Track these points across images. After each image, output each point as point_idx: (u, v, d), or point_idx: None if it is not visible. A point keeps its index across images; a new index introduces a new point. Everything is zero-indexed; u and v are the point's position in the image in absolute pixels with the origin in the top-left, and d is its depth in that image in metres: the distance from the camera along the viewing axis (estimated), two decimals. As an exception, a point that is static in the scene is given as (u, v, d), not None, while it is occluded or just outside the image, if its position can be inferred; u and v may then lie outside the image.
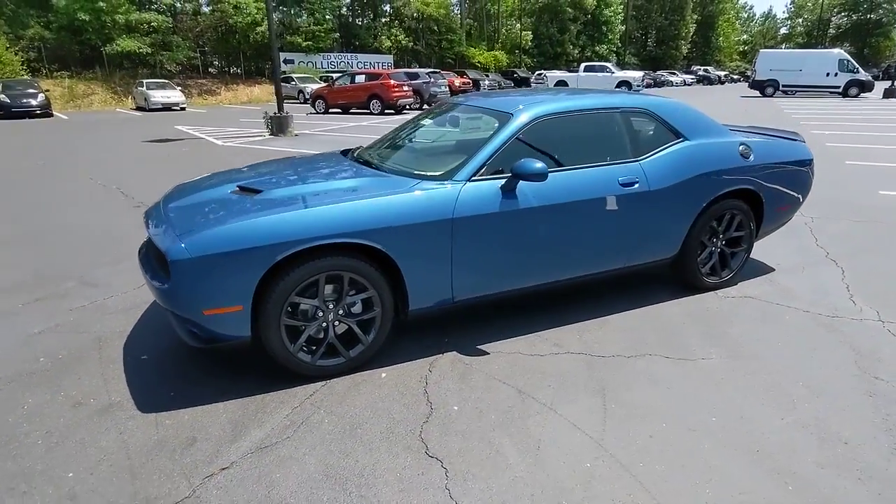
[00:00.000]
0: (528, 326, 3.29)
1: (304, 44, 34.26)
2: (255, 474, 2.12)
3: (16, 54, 25.92)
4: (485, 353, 3.02)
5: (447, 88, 21.38)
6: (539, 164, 2.82)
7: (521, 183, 2.95)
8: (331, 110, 19.76)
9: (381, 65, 36.42)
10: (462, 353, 3.02)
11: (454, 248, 2.83)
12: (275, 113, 13.10)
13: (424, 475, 2.11)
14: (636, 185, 3.24)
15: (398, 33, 39.77)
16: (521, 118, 3.10)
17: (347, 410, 2.52)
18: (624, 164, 3.27)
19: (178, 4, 31.66)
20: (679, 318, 3.41)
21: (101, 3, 27.22)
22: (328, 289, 2.70)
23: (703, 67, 53.57)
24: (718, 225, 3.70)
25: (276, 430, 2.38)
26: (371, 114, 18.89)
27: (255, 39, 32.25)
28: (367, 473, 2.12)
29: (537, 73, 37.79)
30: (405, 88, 18.73)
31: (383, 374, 2.82)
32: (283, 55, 34.14)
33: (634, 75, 28.82)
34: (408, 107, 19.68)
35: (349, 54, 37.41)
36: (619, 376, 2.77)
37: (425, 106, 20.88)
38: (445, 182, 2.87)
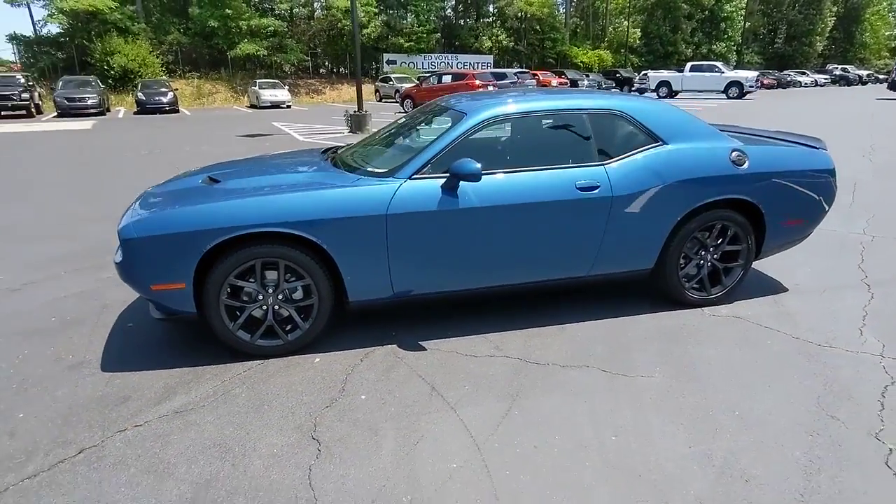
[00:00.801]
0: (481, 327, 3.28)
1: (407, 45, 35.41)
2: (158, 434, 2.36)
3: (157, 57, 29.41)
4: (423, 348, 3.06)
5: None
6: (475, 165, 2.82)
7: (464, 183, 2.96)
8: (418, 109, 20.30)
9: (480, 65, 36.70)
10: (401, 346, 3.09)
11: (389, 244, 2.90)
12: (355, 111, 13.77)
13: (297, 454, 2.23)
14: (596, 191, 3.10)
15: (499, 33, 39.80)
16: (473, 119, 3.09)
17: (266, 389, 2.70)
18: (585, 167, 3.14)
19: (296, 10, 34.02)
20: (645, 332, 3.22)
21: (228, 11, 30.10)
22: (273, 274, 2.90)
23: (841, 66, 47.95)
24: (707, 237, 3.43)
25: (198, 399, 2.62)
26: (455, 113, 19.17)
27: (360, 41, 33.85)
28: (249, 446, 2.28)
29: (643, 73, 36.06)
30: (490, 88, 18.77)
31: (317, 360, 2.97)
32: (386, 56, 35.62)
33: (747, 75, 26.48)
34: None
35: (449, 55, 38.09)
36: (541, 385, 2.70)
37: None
38: (387, 179, 2.95)
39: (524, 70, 26.29)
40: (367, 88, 32.00)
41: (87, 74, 25.50)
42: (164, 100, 22.44)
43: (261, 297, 2.91)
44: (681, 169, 3.23)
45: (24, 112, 20.83)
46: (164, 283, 2.77)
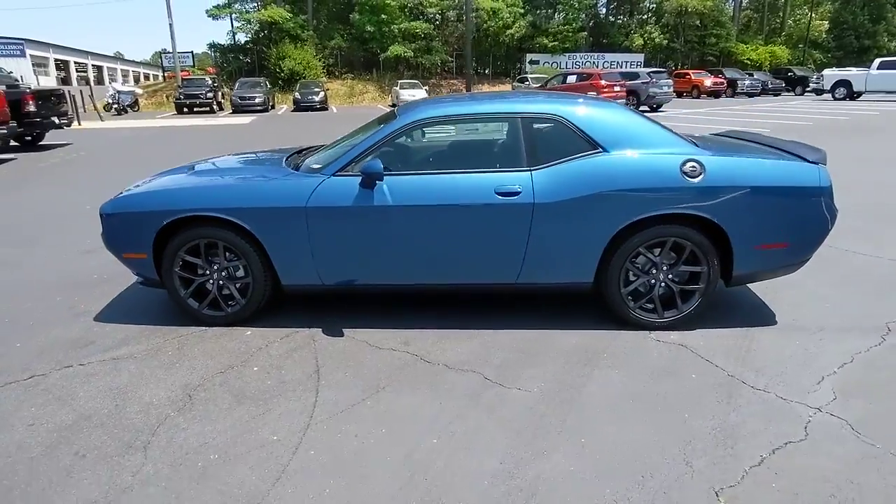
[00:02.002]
0: (413, 323, 3.37)
1: (551, 45, 34.95)
2: (88, 373, 2.90)
3: (319, 61, 32.77)
4: (340, 336, 3.27)
5: (671, 89, 19.61)
6: (378, 165, 2.95)
7: (384, 181, 3.09)
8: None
9: (629, 64, 34.93)
10: (325, 332, 3.32)
11: (310, 235, 3.16)
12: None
13: (166, 406, 2.59)
14: (516, 197, 3.03)
15: (652, 30, 37.41)
16: (400, 122, 3.20)
17: (191, 351, 3.13)
18: (510, 172, 3.08)
19: (444, 13, 35.48)
20: (562, 348, 3.06)
21: (384, 16, 32.41)
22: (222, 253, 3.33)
23: None
24: (657, 255, 3.14)
25: (136, 351, 3.13)
26: (577, 114, 18.63)
27: (504, 41, 34.23)
28: (138, 394, 2.70)
29: (825, 71, 31.38)
30: (616, 89, 17.91)
31: (248, 333, 3.34)
32: (529, 56, 35.56)
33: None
34: (619, 108, 18.81)
35: (596, 54, 36.79)
36: (414, 381, 2.76)
37: (641, 108, 19.60)
38: (314, 175, 3.20)
39: (660, 69, 24.54)
40: (505, 88, 32.32)
41: (262, 77, 29.38)
42: (316, 99, 25.01)
43: (207, 272, 3.35)
44: (618, 178, 3.01)
45: (207, 108, 24.72)
46: (132, 252, 3.33)
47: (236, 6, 33.59)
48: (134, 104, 26.86)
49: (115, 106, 24.64)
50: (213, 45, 34.89)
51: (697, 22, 37.74)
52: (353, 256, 3.20)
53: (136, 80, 56.19)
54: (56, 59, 50.23)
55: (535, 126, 3.16)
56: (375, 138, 3.19)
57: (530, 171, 3.07)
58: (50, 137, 13.60)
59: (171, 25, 29.38)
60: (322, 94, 25.35)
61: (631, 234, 3.07)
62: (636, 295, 3.24)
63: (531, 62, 35.55)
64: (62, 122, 12.93)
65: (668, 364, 2.88)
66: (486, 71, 37.80)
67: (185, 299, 3.38)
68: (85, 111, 24.22)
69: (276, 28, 32.59)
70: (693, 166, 3.00)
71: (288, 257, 3.23)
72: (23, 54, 40.97)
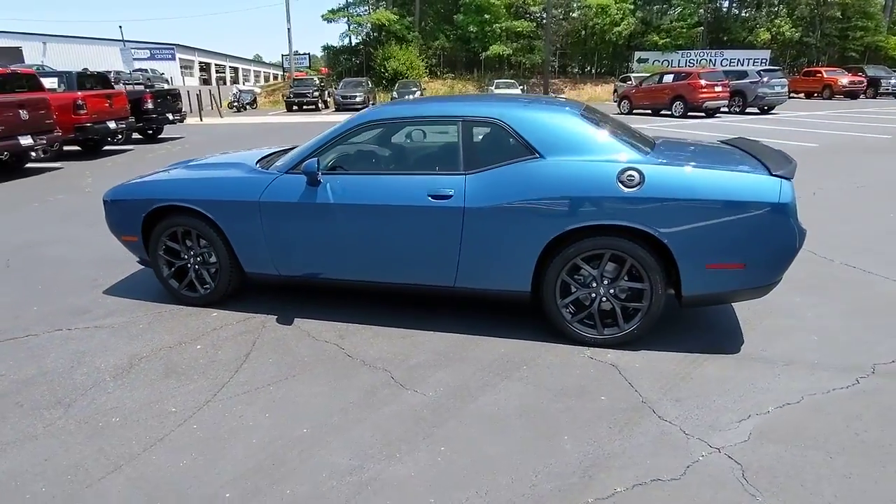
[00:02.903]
0: (367, 318, 3.46)
1: (662, 42, 33.00)
2: (67, 337, 3.34)
3: (422, 61, 33.72)
4: (289, 324, 3.45)
5: (784, 89, 17.70)
6: (313, 165, 3.09)
7: (326, 180, 3.23)
8: (635, 111, 19.09)
9: (751, 62, 32.03)
10: (278, 319, 3.52)
11: (263, 228, 3.37)
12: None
13: (107, 371, 2.93)
14: (448, 200, 3.01)
15: (782, 24, 33.91)
16: (349, 123, 3.30)
17: (160, 326, 3.48)
18: (445, 175, 3.06)
19: (548, 11, 34.85)
20: (488, 356, 3.00)
21: (487, 15, 32.58)
22: (202, 240, 3.66)
23: None
24: (595, 268, 2.96)
25: (117, 321, 3.54)
26: (672, 116, 17.47)
27: (611, 39, 32.90)
28: (91, 359, 3.07)
29: None
30: (717, 89, 16.54)
31: (214, 314, 3.64)
32: (637, 54, 33.92)
33: None
34: (721, 110, 17.36)
35: (713, 50, 34.12)
36: (322, 372, 2.87)
37: (748, 109, 17.93)
38: (271, 172, 3.41)
39: (774, 68, 22.15)
40: (609, 89, 31.10)
41: (366, 77, 30.86)
42: (410, 98, 25.77)
43: (185, 256, 3.69)
44: (551, 185, 2.88)
45: (313, 107, 26.46)
46: (127, 235, 3.77)
47: (349, 10, 35.49)
48: (252, 102, 29.45)
49: (236, 104, 27.20)
50: (326, 48, 37.28)
51: (839, 14, 33.60)
52: (300, 250, 3.37)
53: (266, 80, 61.51)
54: (200, 62, 56.25)
55: (476, 130, 3.12)
56: (324, 139, 3.33)
57: (465, 174, 3.04)
58: (168, 131, 15.38)
59: (289, 31, 31.83)
60: (418, 92, 26.05)
61: (567, 244, 2.93)
62: (576, 308, 3.08)
63: (639, 60, 33.84)
64: (175, 118, 14.57)
65: (585, 383, 2.72)
66: (591, 70, 36.60)
67: (167, 279, 3.76)
68: (212, 108, 27.02)
69: (384, 30, 34.04)
70: (631, 175, 2.79)
71: (247, 247, 3.47)
72: (173, 58, 46.42)
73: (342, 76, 34.64)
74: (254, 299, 3.81)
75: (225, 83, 55.58)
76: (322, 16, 34.65)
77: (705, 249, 2.77)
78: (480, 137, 3.10)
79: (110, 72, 35.30)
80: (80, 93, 11.04)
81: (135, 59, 45.51)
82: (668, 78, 18.14)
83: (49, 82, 12.67)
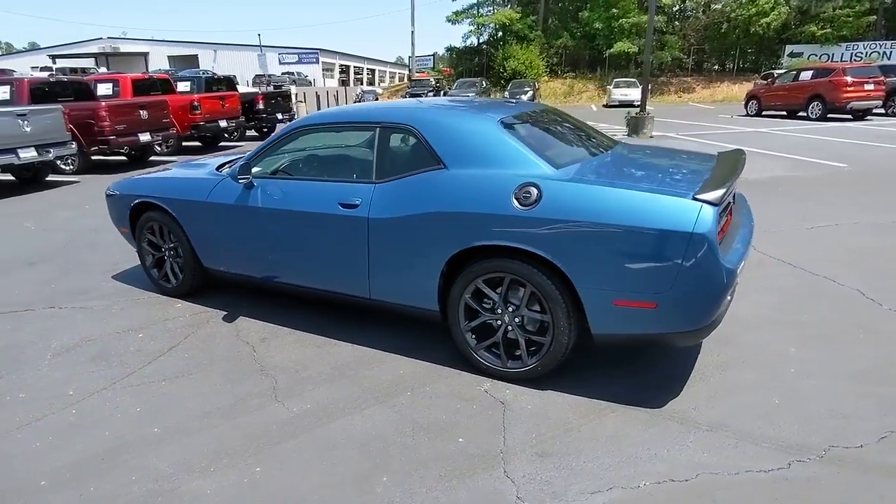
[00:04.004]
0: (307, 325, 3.46)
1: (820, 33, 28.86)
2: (53, 314, 3.75)
3: (543, 60, 33.04)
4: (230, 322, 3.55)
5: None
6: (235, 171, 3.14)
7: (257, 184, 3.26)
8: (764, 113, 16.94)
9: (939, 54, 26.85)
10: (225, 318, 3.62)
11: (210, 226, 3.51)
12: (637, 112, 12.87)
13: (59, 348, 3.24)
14: (355, 210, 2.88)
15: None
16: (285, 128, 3.30)
17: (130, 312, 3.77)
18: (356, 183, 2.94)
19: (683, 4, 32.19)
20: (382, 376, 2.83)
21: (615, 10, 30.97)
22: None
23: None
24: (496, 291, 2.65)
25: (99, 304, 3.90)
26: (808, 119, 15.20)
27: (756, 31, 29.52)
28: (49, 332, 3.41)
29: None
30: (867, 87, 14.06)
31: (179, 305, 3.86)
32: (789, 48, 30.19)
33: None
34: (872, 111, 14.74)
35: (889, 42, 29.06)
36: (220, 372, 2.91)
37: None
38: (219, 175, 3.53)
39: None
40: (747, 87, 28.00)
41: (484, 77, 30.99)
42: (524, 98, 25.33)
43: (163, 249, 3.97)
44: (448, 198, 2.64)
45: (427, 106, 27.19)
46: (121, 226, 4.15)
47: (472, 11, 35.83)
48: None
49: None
50: (449, 49, 38.02)
51: None
52: (238, 250, 3.45)
53: (401, 81, 64.58)
54: (340, 65, 60.56)
55: (394, 136, 2.94)
56: (262, 145, 3.37)
57: (375, 183, 2.89)
58: (281, 129, 16.73)
59: (412, 33, 32.96)
60: (531, 93, 25.59)
61: (470, 263, 2.67)
62: (482, 335, 2.78)
63: (791, 55, 29.93)
64: (285, 117, 15.78)
65: (458, 420, 2.45)
66: (730, 66, 33.17)
67: (148, 269, 4.07)
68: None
69: (506, 29, 33.88)
70: (528, 192, 2.45)
71: (201, 243, 3.64)
72: (317, 61, 50.53)
73: (462, 76, 35.15)
74: (223, 295, 3.98)
75: (361, 84, 59.28)
76: (447, 17, 35.43)
77: (610, 282, 2.34)
78: (395, 145, 2.93)
79: (263, 74, 39.34)
80: (196, 95, 12.43)
81: (283, 63, 50.25)
82: (806, 75, 15.80)
83: (183, 86, 14.45)
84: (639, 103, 24.41)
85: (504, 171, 2.57)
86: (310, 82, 43.78)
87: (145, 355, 3.14)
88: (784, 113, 16.53)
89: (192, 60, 49.32)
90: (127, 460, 2.26)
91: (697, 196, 2.20)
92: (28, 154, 8.26)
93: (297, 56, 51.55)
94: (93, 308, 3.84)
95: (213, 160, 4.54)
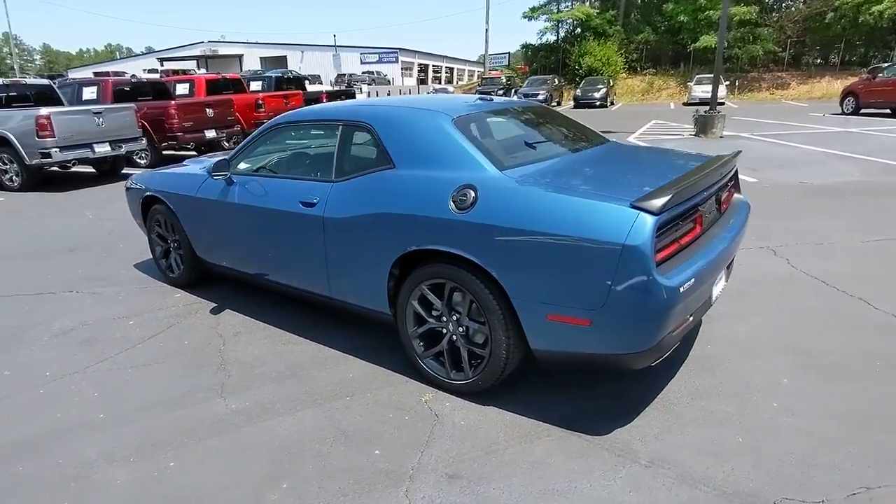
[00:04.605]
0: (286, 321, 3.51)
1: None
2: (69, 298, 4.03)
3: (621, 56, 31.74)
4: (212, 315, 3.64)
5: None
6: (210, 166, 3.20)
7: (235, 180, 3.32)
8: (863, 111, 15.26)
9: None
10: (213, 310, 3.71)
11: (200, 219, 3.62)
12: (706, 111, 12.00)
13: (51, 333, 3.48)
14: (312, 209, 2.85)
15: None
16: (263, 126, 3.32)
17: (129, 299, 3.98)
18: (317, 182, 2.91)
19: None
20: (331, 378, 2.78)
21: (701, 2, 29.10)
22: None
23: None
24: (440, 298, 2.52)
25: (110, 290, 4.15)
26: (913, 118, 13.50)
27: (866, 21, 26.68)
28: (57, 314, 3.66)
29: None
30: None
31: (177, 295, 4.03)
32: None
33: None
34: None
35: None
36: (180, 362, 2.98)
37: None
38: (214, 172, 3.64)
39: None
40: (850, 80, 25.40)
41: (558, 74, 30.28)
42: (596, 95, 24.52)
43: (168, 240, 4.16)
44: (392, 199, 2.54)
45: (497, 104, 26.94)
46: (137, 218, 4.39)
47: (549, 7, 35.07)
48: (445, 100, 31.15)
49: (428, 102, 29.12)
50: (524, 46, 37.42)
51: None
52: (220, 243, 3.55)
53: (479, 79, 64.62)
54: (419, 64, 61.46)
55: (356, 135, 2.88)
56: (244, 143, 3.42)
57: (333, 182, 2.85)
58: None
59: (486, 31, 32.80)
60: (604, 90, 24.68)
61: (414, 268, 2.56)
62: (429, 343, 2.66)
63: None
64: (348, 115, 16.23)
65: (384, 431, 2.35)
66: (834, 60, 30.19)
67: (157, 259, 4.28)
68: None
69: (584, 25, 32.88)
70: (465, 195, 2.30)
71: (193, 235, 3.77)
72: (396, 60, 51.67)
73: (537, 73, 34.53)
74: (220, 287, 4.10)
75: (440, 82, 59.86)
76: (523, 14, 34.93)
77: (544, 295, 2.15)
78: (355, 143, 2.86)
79: (345, 74, 40.65)
80: (261, 94, 13.05)
81: (364, 63, 51.79)
82: (907, 68, 14.02)
83: (255, 85, 15.25)
84: (721, 101, 22.97)
85: (447, 172, 2.43)
86: (388, 81, 44.78)
87: (126, 342, 3.29)
88: (888, 111, 14.80)
89: (282, 61, 51.89)
90: (63, 444, 2.35)
91: (636, 204, 1.96)
92: (102, 149, 9.00)
93: (377, 56, 52.91)
94: (102, 294, 4.09)
95: (219, 157, 4.70)
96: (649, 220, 1.92)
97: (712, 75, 24.91)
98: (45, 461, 2.24)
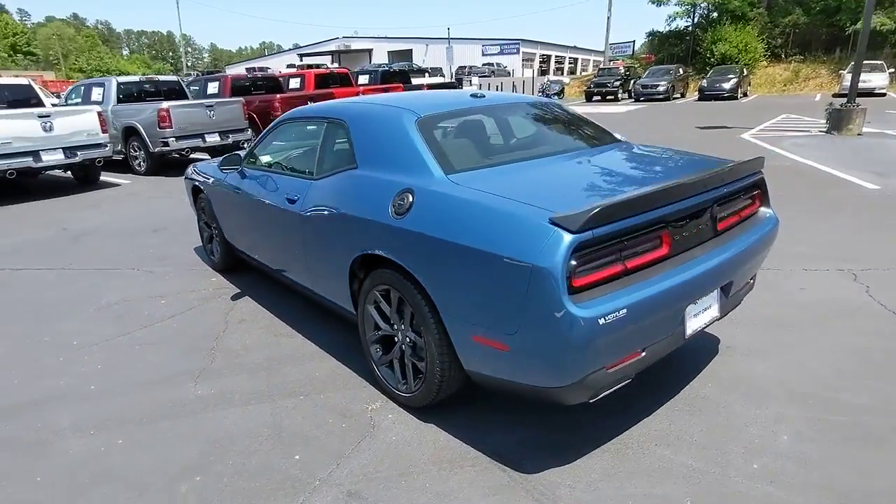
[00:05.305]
0: (291, 315, 3.65)
1: None
2: (131, 275, 4.49)
3: (763, 42, 28.51)
4: (233, 301, 3.84)
5: None
6: (221, 161, 3.36)
7: (245, 172, 3.46)
8: None
9: None
10: (234, 296, 3.92)
11: (225, 208, 3.84)
12: (842, 104, 10.35)
13: (79, 310, 3.90)
14: (293, 205, 2.88)
15: None
16: (275, 121, 3.40)
17: (174, 278, 4.33)
18: (303, 178, 2.93)
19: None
20: (297, 374, 2.80)
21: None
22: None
23: None
24: (390, 305, 2.41)
25: (162, 271, 4.56)
26: None
27: None
28: (111, 289, 4.09)
29: None
30: None
31: (213, 279, 4.31)
32: None
33: None
34: None
35: None
36: (177, 346, 3.18)
37: None
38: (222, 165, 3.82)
39: None
40: None
41: (684, 64, 28.02)
42: (725, 87, 22.27)
43: (211, 226, 4.44)
44: (349, 202, 2.49)
45: (613, 97, 25.60)
46: (192, 205, 4.76)
47: (680, -10, 32.38)
48: (560, 93, 30.22)
49: (540, 94, 28.44)
50: (651, 33, 34.97)
51: None
52: (239, 231, 3.73)
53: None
54: (541, 54, 60.21)
55: (336, 132, 2.84)
56: (260, 136, 3.53)
57: (312, 180, 2.85)
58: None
59: (608, 19, 31.11)
60: (734, 81, 22.32)
61: (368, 272, 2.48)
62: (386, 349, 2.56)
63: None
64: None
65: (319, 436, 2.31)
66: None
67: (204, 244, 4.62)
68: (520, 98, 28.88)
69: (721, 8, 29.98)
70: (403, 199, 2.17)
71: (222, 222, 4.00)
72: (517, 52, 51.21)
73: (663, 63, 32.20)
74: (250, 274, 4.33)
75: (562, 74, 58.22)
76: (650, 0, 32.62)
77: (467, 313, 1.96)
78: (336, 141, 2.82)
79: (465, 66, 41.02)
80: (361, 87, 13.58)
81: (486, 55, 51.94)
82: None
83: (363, 78, 15.99)
84: (881, 91, 19.75)
85: (397, 175, 2.31)
86: (508, 73, 44.44)
87: (148, 320, 3.59)
88: None
89: (407, 55, 53.63)
90: (48, 410, 2.61)
91: (554, 219, 1.70)
92: (213, 139, 9.95)
93: (498, 47, 52.73)
94: (155, 273, 4.50)
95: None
96: (565, 239, 1.66)
97: (876, 61, 21.60)
98: (26, 424, 2.50)
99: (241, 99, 10.52)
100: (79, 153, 8.14)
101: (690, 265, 1.99)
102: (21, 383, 2.86)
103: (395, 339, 2.46)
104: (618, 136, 3.01)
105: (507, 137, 2.77)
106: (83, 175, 8.95)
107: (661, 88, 23.52)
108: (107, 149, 8.54)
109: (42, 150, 7.80)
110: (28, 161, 7.64)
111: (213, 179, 3.98)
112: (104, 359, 3.09)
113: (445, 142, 2.46)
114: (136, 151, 9.92)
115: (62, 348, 3.23)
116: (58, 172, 9.30)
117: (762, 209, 2.53)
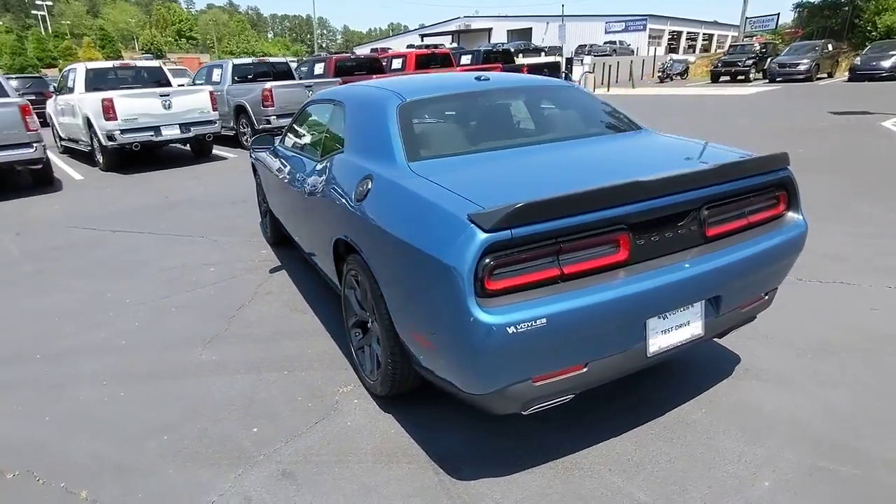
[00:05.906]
0: (314, 298, 3.81)
1: None
2: (196, 242, 4.93)
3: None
4: (271, 273, 4.06)
5: None
6: (254, 140, 3.53)
7: (279, 152, 3.61)
8: None
9: None
10: (273, 269, 4.14)
11: (266, 183, 4.05)
12: None
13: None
14: (301, 185, 2.96)
15: None
16: (305, 103, 3.48)
17: (231, 248, 4.67)
18: (311, 160, 3.00)
19: None
20: (304, 347, 2.90)
21: None
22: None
23: None
24: (358, 290, 2.39)
25: (223, 241, 4.94)
26: None
27: None
28: (173, 255, 4.51)
29: None
30: None
31: (263, 251, 4.58)
32: None
33: None
34: None
35: None
36: (203, 314, 3.43)
37: None
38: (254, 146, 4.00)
39: None
40: None
41: (849, 39, 24.56)
42: (885, 64, 19.11)
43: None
44: (329, 186, 2.49)
45: (744, 77, 23.15)
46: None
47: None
48: (684, 72, 27.91)
49: (660, 74, 26.47)
50: (800, 4, 30.80)
51: None
52: (277, 209, 3.91)
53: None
54: (670, 31, 55.88)
55: (339, 115, 2.84)
56: (293, 117, 3.65)
57: (318, 161, 2.90)
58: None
59: (747, -11, 27.90)
60: (895, 58, 19.08)
61: (345, 257, 2.49)
62: (362, 334, 2.56)
63: None
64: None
65: (287, 416, 2.38)
66: None
67: (262, 217, 4.92)
68: (642, 78, 27.39)
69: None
70: (363, 185, 2.13)
71: (269, 197, 4.23)
72: (644, 28, 48.13)
73: (812, 38, 28.43)
74: (293, 250, 4.53)
75: (694, 51, 53.75)
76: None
77: (403, 306, 1.89)
78: (338, 124, 2.82)
79: (585, 45, 39.50)
80: (459, 67, 13.52)
81: (609, 32, 49.53)
82: None
83: (465, 58, 15.98)
84: None
85: (368, 161, 2.27)
86: (631, 51, 41.93)
87: (193, 285, 3.91)
88: None
89: (527, 34, 52.53)
90: (81, 358, 2.95)
91: (472, 216, 1.56)
92: (310, 117, 10.54)
93: (623, 24, 49.88)
94: (218, 242, 4.88)
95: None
96: (478, 238, 1.52)
97: None
98: (57, 369, 2.85)
99: (337, 80, 10.96)
100: (192, 129, 9.03)
101: (654, 274, 1.75)
102: (71, 333, 3.27)
103: (368, 324, 2.45)
104: (640, 124, 2.70)
105: (499, 124, 2.61)
106: (198, 148, 9.93)
107: (801, 67, 20.79)
108: (216, 125, 9.39)
109: (162, 125, 8.76)
110: (150, 135, 8.63)
111: (260, 157, 4.21)
112: (144, 317, 3.42)
113: (423, 128, 2.37)
114: (244, 128, 10.77)
115: (116, 305, 3.63)
116: (178, 146, 10.42)
117: (789, 214, 2.14)
